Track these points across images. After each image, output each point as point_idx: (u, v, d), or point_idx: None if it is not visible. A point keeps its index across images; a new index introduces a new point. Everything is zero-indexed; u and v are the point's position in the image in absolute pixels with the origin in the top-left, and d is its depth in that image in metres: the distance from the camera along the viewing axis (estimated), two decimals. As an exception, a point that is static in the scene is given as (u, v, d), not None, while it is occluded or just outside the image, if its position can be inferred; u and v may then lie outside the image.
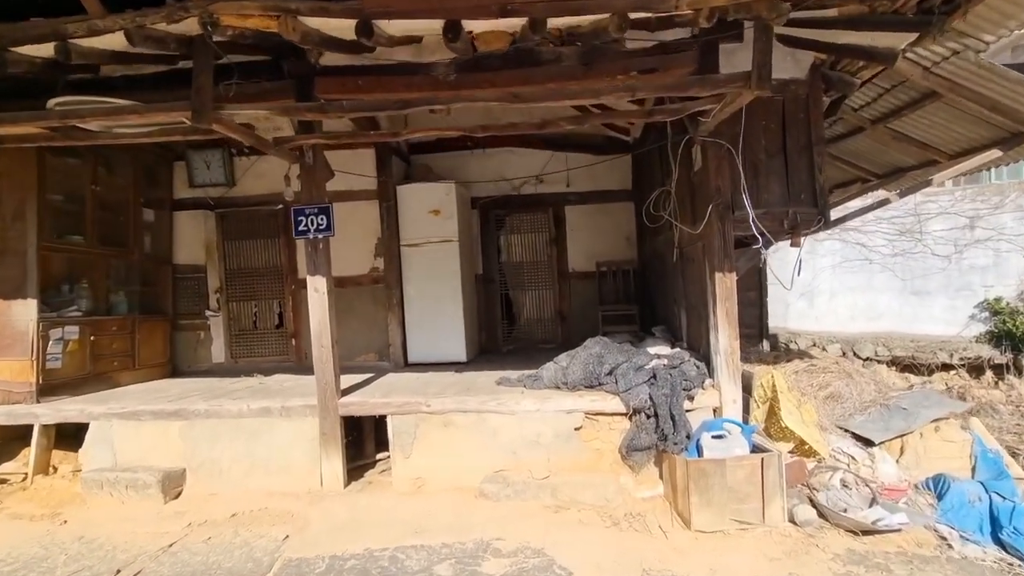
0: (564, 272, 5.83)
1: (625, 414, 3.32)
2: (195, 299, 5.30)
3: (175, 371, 5.21)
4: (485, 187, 5.89)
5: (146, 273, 5.06)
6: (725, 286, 3.23)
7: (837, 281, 7.05)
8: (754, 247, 3.30)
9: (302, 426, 3.49)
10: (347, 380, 4.27)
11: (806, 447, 3.29)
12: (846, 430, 3.64)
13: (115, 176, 4.65)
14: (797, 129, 3.28)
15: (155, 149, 5.09)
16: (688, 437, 3.00)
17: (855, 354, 6.72)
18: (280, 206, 5.17)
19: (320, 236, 3.40)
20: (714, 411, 3.29)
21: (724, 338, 3.24)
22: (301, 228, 3.40)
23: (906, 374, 6.22)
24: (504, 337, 5.94)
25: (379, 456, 3.98)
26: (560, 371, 3.59)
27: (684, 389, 3.22)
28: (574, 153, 5.79)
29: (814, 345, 6.87)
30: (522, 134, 5.70)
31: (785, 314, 7.03)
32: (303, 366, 5.14)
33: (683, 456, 2.89)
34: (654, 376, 3.29)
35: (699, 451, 2.89)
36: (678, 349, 4.02)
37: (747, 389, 3.36)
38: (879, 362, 6.40)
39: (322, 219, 3.39)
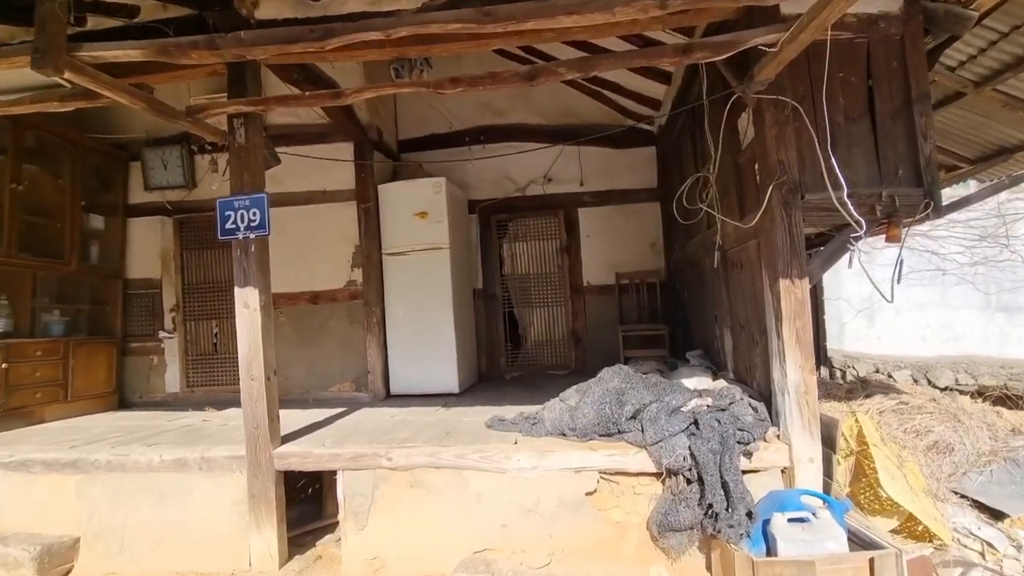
0: (578, 286, 4.96)
1: (656, 474, 2.42)
2: (148, 318, 4.59)
3: (122, 402, 4.48)
4: (485, 188, 5.10)
5: (93, 289, 4.38)
6: (794, 299, 2.32)
7: (903, 296, 5.98)
8: (829, 246, 2.39)
9: (227, 484, 2.67)
10: (308, 417, 3.47)
11: (917, 526, 2.31)
12: (962, 496, 2.65)
13: (48, 175, 4.00)
14: (889, 82, 2.39)
15: (105, 147, 4.46)
16: (750, 517, 2.07)
17: (929, 382, 5.62)
18: (245, 210, 4.45)
19: (252, 236, 2.62)
20: (782, 473, 2.35)
21: (794, 370, 2.32)
22: (228, 226, 2.63)
23: (998, 408, 5.10)
24: (507, 362, 5.06)
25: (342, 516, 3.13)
26: (567, 413, 2.70)
27: (739, 442, 2.30)
28: (588, 147, 4.96)
29: (877, 371, 5.80)
30: (525, 125, 4.92)
31: (840, 334, 5.97)
32: (268, 397, 4.35)
33: (744, 549, 1.96)
34: (695, 423, 2.38)
35: (768, 540, 1.96)
36: (722, 382, 3.09)
37: (826, 441, 2.41)
38: (961, 392, 5.29)
39: (255, 214, 2.61)
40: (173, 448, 2.79)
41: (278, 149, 4.26)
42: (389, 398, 4.24)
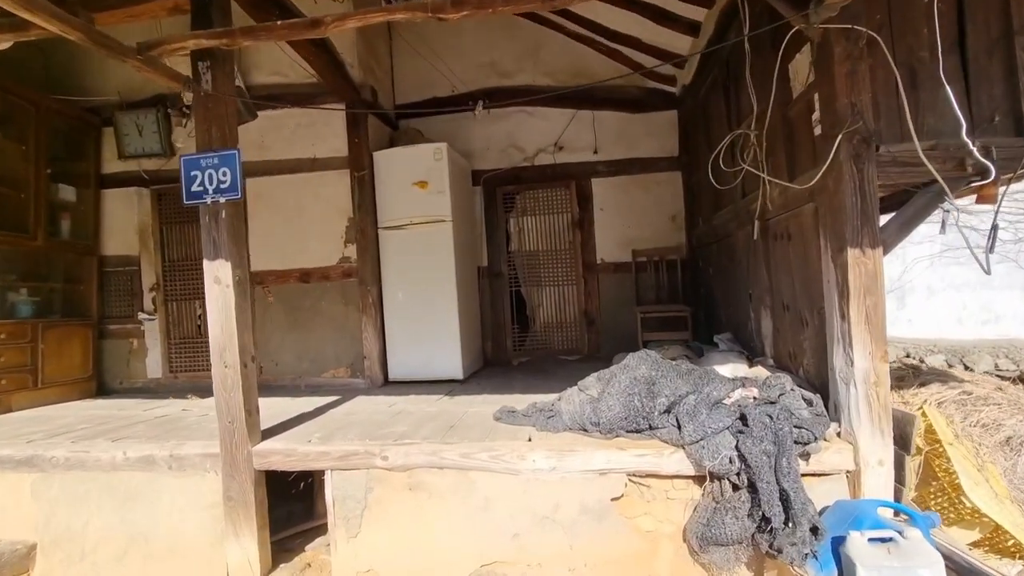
0: (591, 264, 4.57)
1: (693, 477, 2.07)
2: (127, 298, 4.24)
3: (101, 389, 4.16)
4: (490, 157, 4.69)
5: (65, 266, 4.03)
6: (864, 272, 1.94)
7: (937, 275, 5.59)
8: (908, 209, 2.00)
9: (200, 486, 2.34)
10: (297, 406, 3.14)
11: (1005, 540, 1.97)
12: (1044, 501, 2.30)
13: (9, 141, 3.61)
14: (985, 9, 1.97)
15: (74, 111, 4.06)
16: (816, 533, 1.72)
17: (966, 367, 5.26)
18: (228, 180, 4.06)
19: (223, 200, 2.24)
20: (847, 477, 2.00)
21: (863, 357, 1.95)
22: (194, 188, 2.25)
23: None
24: (515, 346, 4.71)
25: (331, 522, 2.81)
26: (588, 404, 2.34)
27: (796, 442, 1.94)
28: (603, 111, 4.54)
29: (908, 356, 5.45)
30: (534, 87, 4.49)
31: (869, 317, 5.59)
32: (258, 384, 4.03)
33: (811, 573, 1.61)
34: (742, 418, 2.02)
35: (842, 564, 1.61)
36: (761, 370, 2.73)
37: (897, 441, 2.05)
38: (1004, 378, 4.93)
39: (225, 175, 2.23)
40: (140, 443, 2.45)
41: (261, 111, 3.86)
42: (387, 385, 3.90)
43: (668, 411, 2.16)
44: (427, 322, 3.87)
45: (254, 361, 2.38)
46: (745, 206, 3.05)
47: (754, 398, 2.15)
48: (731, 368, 2.81)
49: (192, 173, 2.25)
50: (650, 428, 2.18)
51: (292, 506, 2.87)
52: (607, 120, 4.53)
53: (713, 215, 3.77)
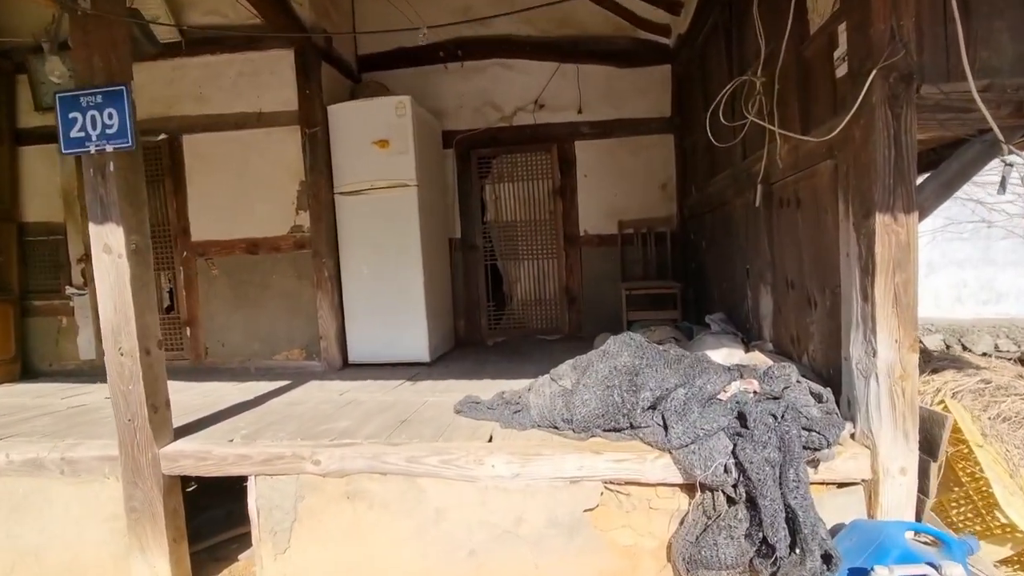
0: (573, 236, 4.19)
1: (682, 485, 1.75)
2: (52, 271, 3.78)
3: (27, 371, 3.74)
4: (464, 116, 4.23)
5: (-21, 234, 3.56)
6: (894, 242, 1.59)
7: (937, 251, 5.30)
8: (952, 163, 1.64)
9: (98, 495, 1.97)
10: (236, 394, 2.78)
11: (1042, 559, 1.68)
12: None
13: None
14: (1058, -88, 1.58)
15: (-21, 54, 3.52)
16: (829, 563, 1.41)
17: (964, 347, 5.04)
18: (164, 136, 3.59)
19: (109, 149, 1.81)
20: (863, 487, 1.69)
21: (887, 345, 1.61)
22: (73, 134, 1.81)
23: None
24: (490, 325, 4.35)
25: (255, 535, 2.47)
26: (560, 398, 2.00)
27: (806, 447, 1.62)
28: (589, 65, 4.08)
29: (904, 335, 5.20)
30: (514, 38, 4.02)
31: (866, 294, 5.32)
32: (201, 366, 3.65)
33: (826, 615, 1.30)
34: (741, 418, 1.69)
35: (862, 604, 1.30)
36: (758, 355, 2.41)
37: (922, 445, 1.73)
38: (1005, 359, 4.70)
39: (110, 117, 1.79)
40: (29, 443, 2.07)
41: (197, 56, 3.37)
42: (346, 368, 3.53)
43: (653, 407, 1.82)
44: (390, 299, 3.49)
45: (161, 347, 1.98)
46: (746, 169, 2.67)
47: (754, 392, 1.82)
48: (725, 353, 2.48)
49: (70, 115, 1.80)
50: (631, 427, 1.84)
51: (232, 505, 2.52)
52: (593, 75, 4.09)
53: (708, 181, 3.39)
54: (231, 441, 2.00)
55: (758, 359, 2.35)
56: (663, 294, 3.74)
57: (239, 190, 3.57)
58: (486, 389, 2.69)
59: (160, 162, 3.62)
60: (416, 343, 3.49)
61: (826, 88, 1.91)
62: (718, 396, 1.80)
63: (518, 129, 4.17)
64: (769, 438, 1.59)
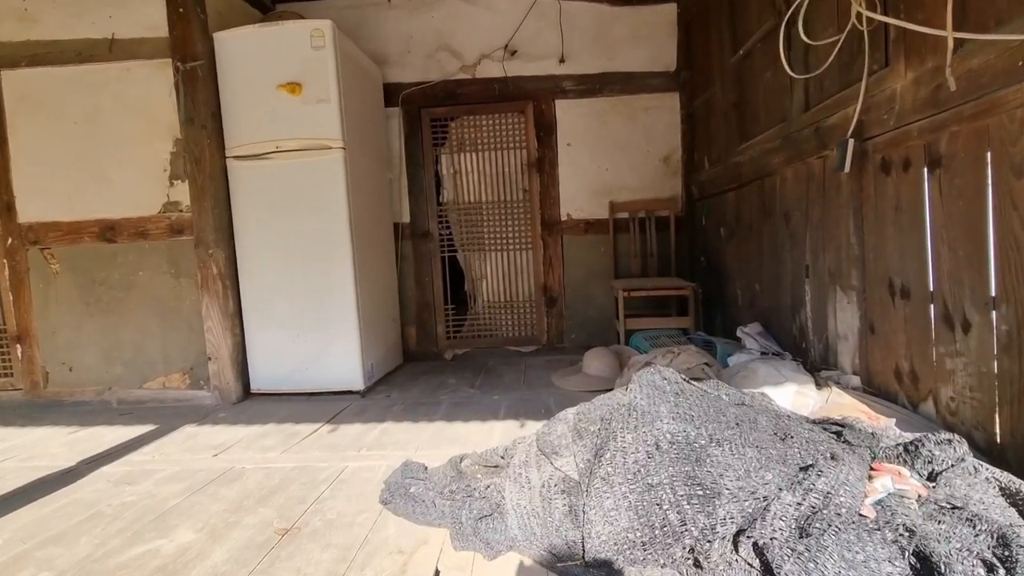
0: (553, 221, 3.32)
1: None
2: None
3: None
4: (413, 65, 3.28)
5: None
6: None
7: None
8: None
9: None
10: (62, 451, 1.78)
11: None
12: None
13: None
14: None
15: None
16: None
17: None
18: (-29, 73, 2.49)
19: None
20: None
21: None
22: None
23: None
24: (448, 333, 3.44)
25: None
26: (561, 499, 1.13)
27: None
28: (574, 1, 3.20)
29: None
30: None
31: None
32: (40, 398, 2.61)
33: None
34: (920, 562, 0.86)
35: None
36: (843, 397, 1.62)
37: None
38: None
39: None
40: None
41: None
42: (248, 399, 2.57)
43: (740, 535, 0.97)
44: (308, 305, 2.53)
45: None
46: (811, 123, 1.86)
47: (919, 497, 1.00)
48: (793, 393, 1.67)
49: None
50: (696, 566, 0.99)
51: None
52: (579, 15, 3.20)
53: (735, 149, 2.57)
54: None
55: (849, 407, 1.55)
56: (671, 296, 2.93)
57: (87, 152, 2.52)
58: (438, 441, 1.83)
59: (-33, 109, 2.52)
60: (345, 365, 2.55)
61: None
62: (862, 514, 0.97)
63: (483, 83, 3.25)
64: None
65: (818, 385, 1.73)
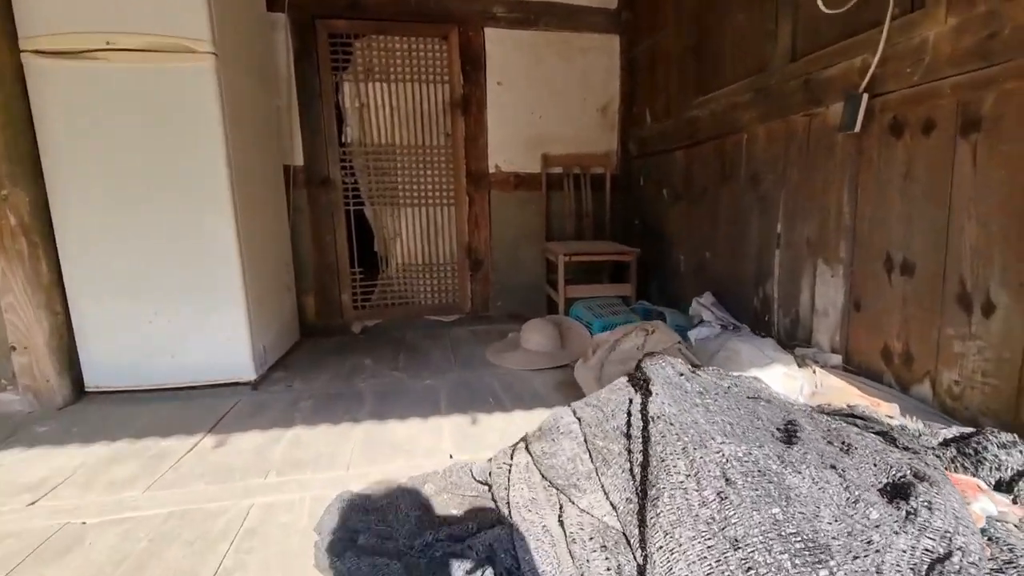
0: (481, 173, 2.90)
1: None
2: None
3: None
4: (304, -41, 2.55)
5: None
6: None
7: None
8: None
9: None
10: None
11: None
12: None
13: None
14: None
15: None
16: None
17: None
18: None
19: None
20: None
21: None
22: None
23: None
24: (356, 302, 2.92)
25: None
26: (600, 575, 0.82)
27: None
28: (510, -93, 2.69)
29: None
30: None
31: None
32: None
33: None
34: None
35: None
36: (828, 376, 1.52)
37: None
38: None
39: None
40: None
41: None
42: (83, 400, 1.87)
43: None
44: (171, 268, 1.87)
45: None
46: (797, 74, 1.67)
47: (1018, 524, 0.86)
48: (782, 375, 1.53)
49: None
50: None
51: None
52: (514, -73, 2.71)
53: (690, 102, 2.36)
54: None
55: (844, 391, 1.44)
56: (609, 261, 2.72)
57: None
58: (373, 452, 1.44)
59: None
60: (228, 347, 1.96)
61: None
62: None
63: (398, -4, 2.64)
64: None
65: (798, 364, 1.62)
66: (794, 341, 1.81)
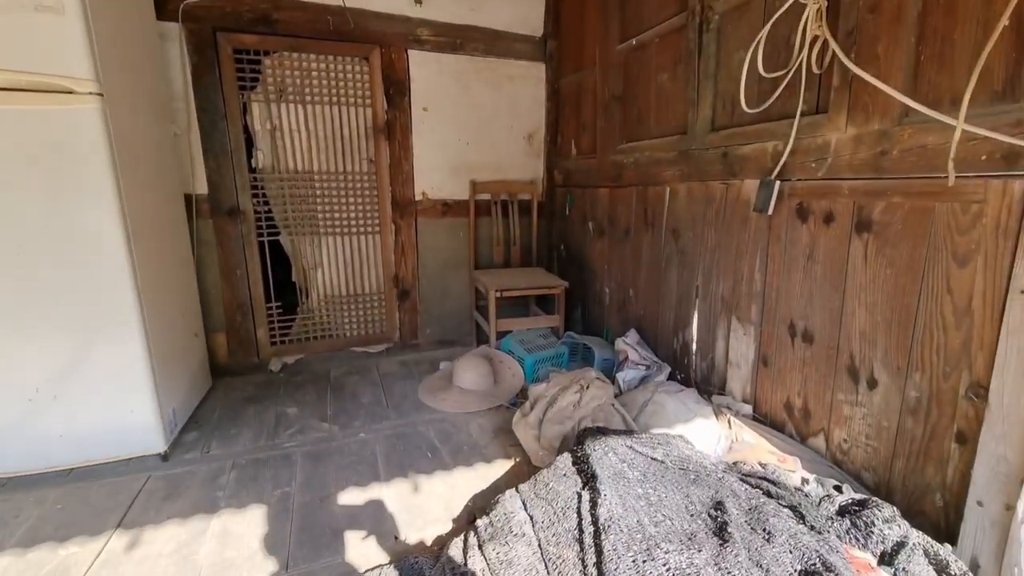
0: (407, 201, 2.81)
1: None
2: None
3: None
4: (202, -37, 2.26)
5: None
6: None
7: None
8: None
9: None
10: None
11: None
12: None
13: None
14: None
15: None
16: None
17: None
18: None
19: None
20: None
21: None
22: None
23: None
24: (274, 337, 2.73)
25: None
26: None
27: None
28: (435, -75, 2.57)
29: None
30: None
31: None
32: None
33: None
34: None
35: None
36: (745, 431, 1.70)
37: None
38: None
39: None
40: None
41: None
42: (-59, 495, 1.59)
43: None
44: (55, 332, 1.63)
45: None
46: (717, 145, 1.80)
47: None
48: (701, 428, 1.68)
49: None
50: None
51: None
52: (439, -54, 2.60)
53: (614, 146, 2.45)
54: None
55: (758, 449, 1.61)
56: (539, 291, 2.77)
57: None
58: (315, 544, 1.39)
59: None
60: (130, 414, 1.76)
61: None
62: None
63: (313, 11, 2.44)
64: None
65: (716, 414, 1.78)
66: (710, 387, 1.98)
